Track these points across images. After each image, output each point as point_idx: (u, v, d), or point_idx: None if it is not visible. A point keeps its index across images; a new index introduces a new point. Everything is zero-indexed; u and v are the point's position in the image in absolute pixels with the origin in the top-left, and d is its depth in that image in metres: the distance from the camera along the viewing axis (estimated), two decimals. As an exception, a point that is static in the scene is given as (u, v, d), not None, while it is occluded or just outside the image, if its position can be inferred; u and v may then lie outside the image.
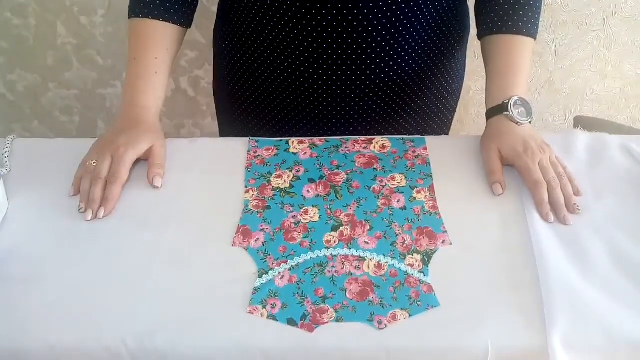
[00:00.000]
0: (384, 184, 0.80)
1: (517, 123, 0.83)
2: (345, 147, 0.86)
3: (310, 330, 0.65)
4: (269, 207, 0.77)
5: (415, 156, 0.84)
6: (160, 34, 0.90)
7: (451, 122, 1.12)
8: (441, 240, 0.73)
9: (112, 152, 0.80)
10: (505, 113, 0.84)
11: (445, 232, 0.74)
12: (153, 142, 0.83)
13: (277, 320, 0.65)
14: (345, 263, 0.71)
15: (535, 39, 0.90)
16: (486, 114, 0.88)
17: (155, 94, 0.88)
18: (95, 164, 0.80)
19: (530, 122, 0.84)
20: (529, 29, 0.88)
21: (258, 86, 0.97)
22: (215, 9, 1.01)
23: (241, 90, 1.00)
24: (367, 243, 0.73)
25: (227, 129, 1.10)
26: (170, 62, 0.91)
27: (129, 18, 0.91)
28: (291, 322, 0.65)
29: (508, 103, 0.84)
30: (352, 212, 0.77)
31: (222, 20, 0.99)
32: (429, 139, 0.87)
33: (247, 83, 0.98)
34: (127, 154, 0.80)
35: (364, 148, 0.85)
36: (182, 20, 0.92)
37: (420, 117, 1.02)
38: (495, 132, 0.85)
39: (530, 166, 0.80)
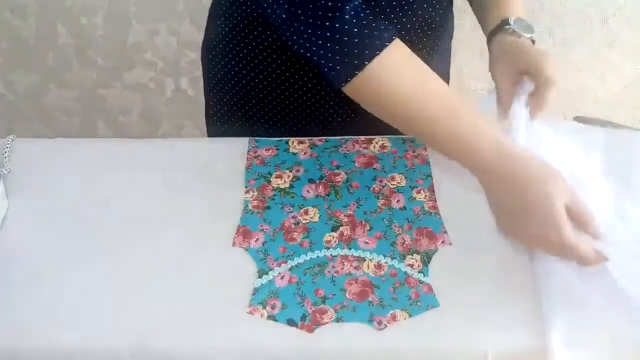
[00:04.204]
0: (383, 184, 0.80)
1: (519, 37, 0.79)
2: (345, 147, 0.86)
3: (310, 330, 0.65)
4: (268, 207, 0.77)
5: (415, 156, 0.84)
6: (409, 55, 0.72)
7: None
8: (441, 241, 0.73)
9: (548, 245, 0.66)
10: (507, 27, 0.79)
11: (445, 232, 0.74)
12: (564, 202, 0.65)
13: (277, 321, 0.66)
14: (345, 263, 0.71)
15: None
16: (487, 40, 0.83)
17: (498, 135, 0.69)
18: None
19: (532, 40, 0.80)
20: None
21: (255, 85, 0.95)
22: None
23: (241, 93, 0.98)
24: (367, 243, 0.73)
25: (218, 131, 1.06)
26: None
27: (353, 73, 0.69)
28: (291, 322, 0.65)
29: (508, 19, 0.80)
30: (352, 212, 0.77)
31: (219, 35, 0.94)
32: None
33: (251, 88, 0.95)
34: (565, 238, 0.64)
35: (364, 148, 0.85)
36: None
37: None
38: (502, 52, 0.80)
39: (552, 65, 0.75)
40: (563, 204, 0.64)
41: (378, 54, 0.68)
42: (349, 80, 0.69)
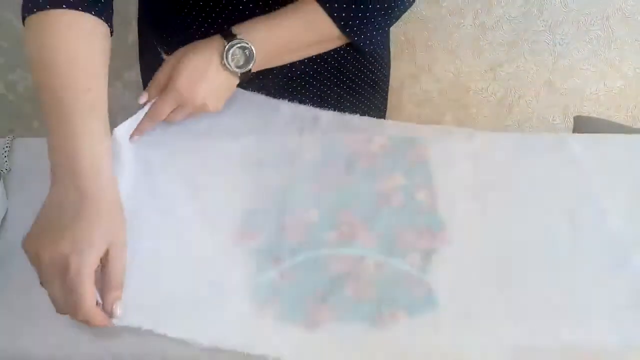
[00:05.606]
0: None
1: (222, 63, 0.74)
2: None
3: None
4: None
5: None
6: (86, 33, 0.68)
7: (384, 112, 1.09)
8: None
9: (59, 269, 0.57)
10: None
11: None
12: (110, 240, 0.59)
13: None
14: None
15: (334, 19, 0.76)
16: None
17: (104, 148, 0.66)
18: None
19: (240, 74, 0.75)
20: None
21: None
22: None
23: None
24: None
25: None
26: (106, 80, 0.71)
27: (24, 19, 0.66)
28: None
29: (233, 36, 0.74)
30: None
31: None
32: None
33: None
34: (82, 268, 0.56)
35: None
36: (104, 16, 0.69)
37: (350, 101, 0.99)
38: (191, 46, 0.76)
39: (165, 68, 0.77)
40: (106, 241, 0.59)
41: (48, 8, 0.64)
42: (25, 17, 0.66)
